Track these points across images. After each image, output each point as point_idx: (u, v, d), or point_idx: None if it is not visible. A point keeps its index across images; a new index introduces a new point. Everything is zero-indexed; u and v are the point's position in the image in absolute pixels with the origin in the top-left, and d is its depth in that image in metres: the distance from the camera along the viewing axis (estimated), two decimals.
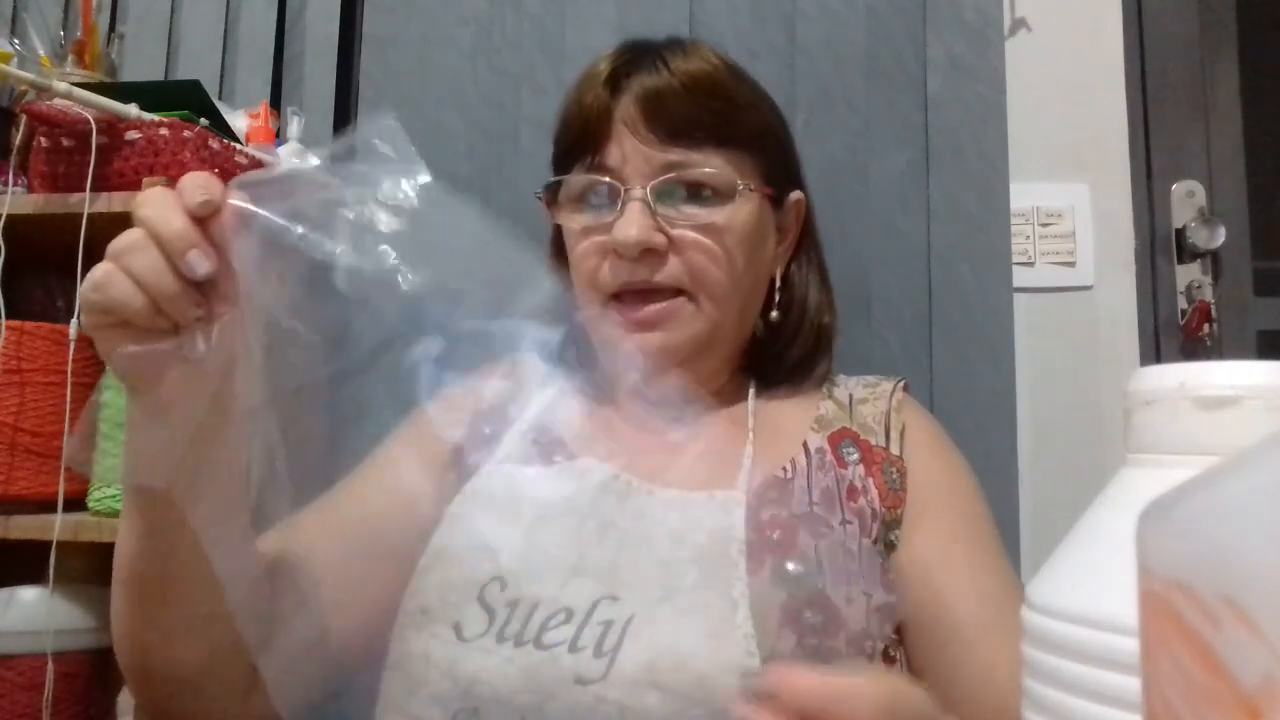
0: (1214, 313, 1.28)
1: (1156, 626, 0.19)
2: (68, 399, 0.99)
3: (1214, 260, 1.30)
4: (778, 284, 0.76)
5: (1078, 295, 1.28)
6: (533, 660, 0.58)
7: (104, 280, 0.46)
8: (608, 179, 0.68)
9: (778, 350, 0.76)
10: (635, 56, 0.71)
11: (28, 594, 1.01)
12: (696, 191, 0.68)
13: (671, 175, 0.67)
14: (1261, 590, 0.16)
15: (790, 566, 0.61)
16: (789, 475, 0.68)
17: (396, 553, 0.66)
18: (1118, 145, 1.29)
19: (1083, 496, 0.33)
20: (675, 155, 0.67)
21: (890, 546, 0.66)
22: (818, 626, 0.59)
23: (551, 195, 0.73)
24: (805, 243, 0.79)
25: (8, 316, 0.99)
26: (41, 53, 1.15)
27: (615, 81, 0.69)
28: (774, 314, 0.75)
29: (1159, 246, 1.30)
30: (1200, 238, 1.27)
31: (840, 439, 0.71)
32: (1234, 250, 1.30)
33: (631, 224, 0.66)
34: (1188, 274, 1.30)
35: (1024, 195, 1.26)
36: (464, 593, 0.62)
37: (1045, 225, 1.28)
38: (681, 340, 0.69)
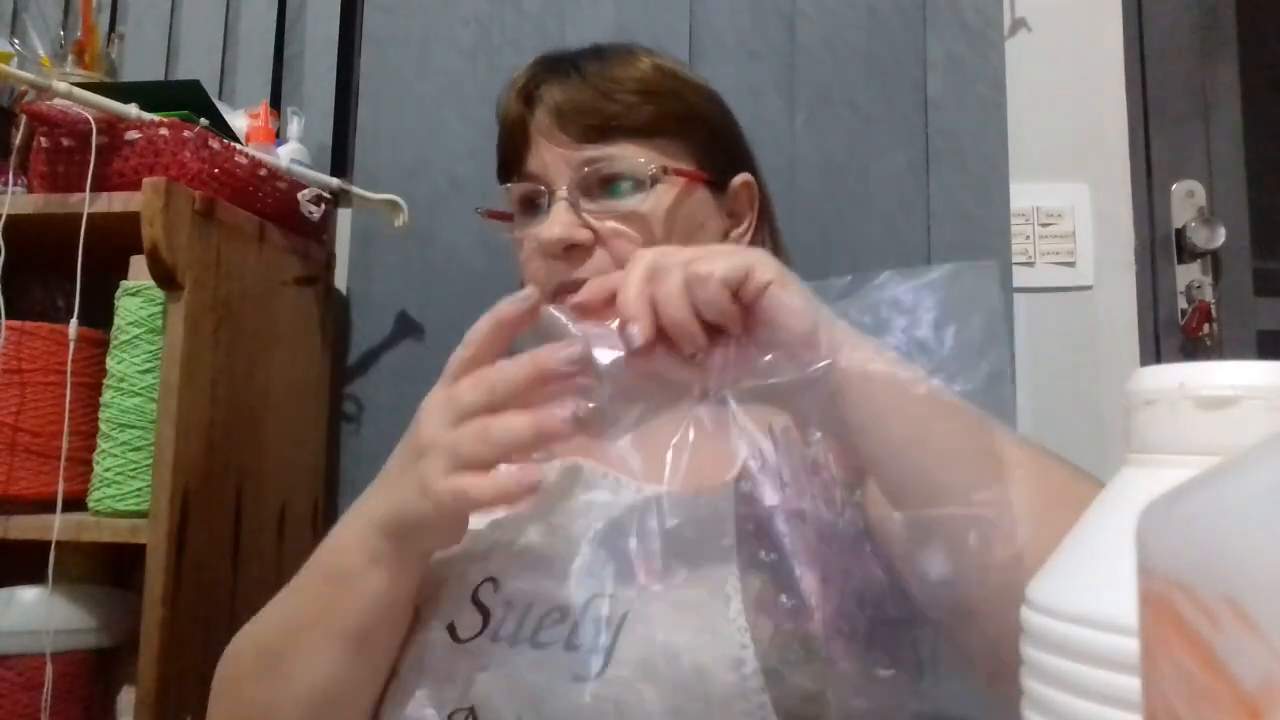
0: (1214, 313, 1.28)
1: (1156, 626, 0.19)
2: (68, 399, 0.99)
3: (1214, 260, 1.30)
4: None
5: (1078, 295, 1.28)
6: (529, 659, 0.58)
7: (510, 424, 0.52)
8: (535, 185, 0.70)
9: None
10: (548, 66, 0.73)
11: (28, 594, 1.01)
12: (616, 184, 0.69)
13: (588, 171, 0.68)
14: (1261, 590, 0.16)
15: (763, 555, 0.61)
16: (759, 464, 0.67)
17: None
18: (1118, 145, 1.29)
19: None
20: (590, 152, 0.68)
21: (859, 507, 0.66)
22: (792, 611, 0.59)
23: (498, 214, 0.75)
24: (761, 226, 0.78)
25: (8, 316, 0.99)
26: (41, 53, 1.15)
27: (527, 93, 0.72)
28: None
29: (1159, 246, 1.30)
30: (1200, 238, 1.27)
31: (808, 418, 0.71)
32: (1234, 250, 1.30)
33: (554, 223, 0.67)
34: (1188, 274, 1.30)
35: (1024, 195, 1.26)
36: (457, 593, 0.62)
37: (1045, 225, 1.28)
38: None
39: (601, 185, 0.69)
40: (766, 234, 0.79)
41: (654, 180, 0.69)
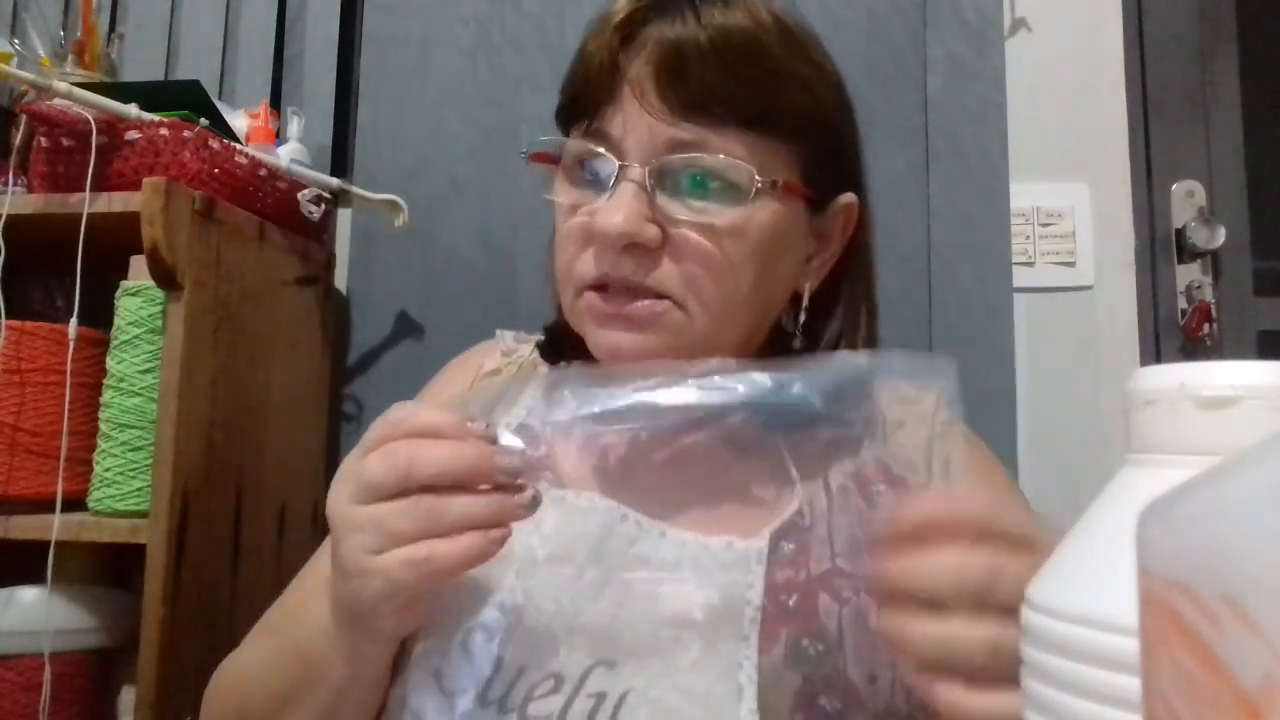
0: (1214, 313, 1.28)
1: (1156, 626, 0.19)
2: (67, 399, 0.99)
3: (1214, 260, 1.30)
4: (804, 301, 0.62)
5: (1078, 295, 1.28)
6: None
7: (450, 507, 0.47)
8: (603, 150, 0.56)
9: None
10: (677, 16, 0.56)
11: (27, 594, 1.01)
12: (707, 181, 0.55)
13: (678, 157, 0.55)
14: (1261, 590, 0.16)
15: (806, 644, 0.53)
16: (807, 522, 0.57)
17: None
18: (1118, 145, 1.29)
19: (1083, 496, 0.33)
20: (687, 133, 0.55)
21: None
22: (834, 714, 0.51)
23: (546, 158, 0.61)
24: (855, 259, 0.64)
25: (8, 316, 0.99)
26: (41, 53, 1.15)
27: (630, 28, 0.56)
28: (797, 341, 0.62)
29: (1159, 246, 1.30)
30: (1200, 238, 1.27)
31: (868, 475, 0.59)
32: (1234, 250, 1.30)
33: (618, 209, 0.54)
34: (1188, 274, 1.30)
35: (1024, 195, 1.26)
36: (445, 637, 0.54)
37: (1045, 225, 1.28)
38: (661, 347, 0.57)
39: (690, 177, 0.56)
40: (858, 268, 0.65)
41: (753, 189, 0.55)
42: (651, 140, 0.55)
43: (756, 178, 0.55)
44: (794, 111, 0.57)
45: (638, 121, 0.56)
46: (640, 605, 0.53)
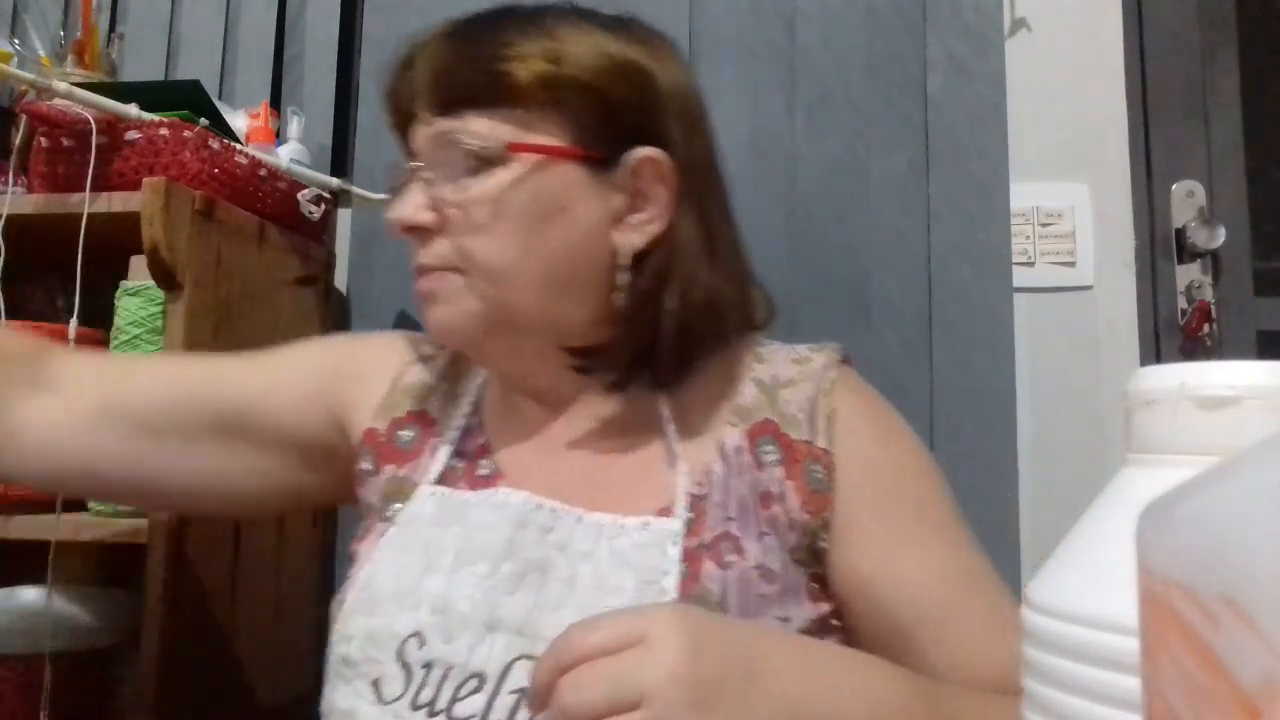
0: (1214, 313, 1.28)
1: (1156, 626, 0.19)
2: None
3: (1214, 260, 1.30)
4: (621, 259, 0.63)
5: (1078, 295, 1.28)
6: None
7: None
8: (410, 162, 0.65)
9: (619, 342, 0.64)
10: (441, 31, 0.67)
11: (27, 594, 1.01)
12: (466, 163, 0.62)
13: (436, 147, 0.63)
14: (1261, 590, 0.16)
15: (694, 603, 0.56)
16: (704, 491, 0.61)
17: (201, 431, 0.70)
18: (1118, 145, 1.29)
19: (1083, 496, 0.33)
20: (440, 127, 0.62)
21: (817, 554, 0.61)
22: None
23: None
24: (683, 211, 0.65)
25: (8, 316, 0.99)
26: (41, 53, 1.15)
27: (408, 65, 0.67)
28: (618, 297, 0.63)
29: (1159, 246, 1.30)
30: (1200, 238, 1.27)
31: (759, 434, 0.63)
32: (1234, 250, 1.30)
33: (405, 204, 0.63)
34: (1188, 274, 1.30)
35: (1024, 195, 1.26)
36: (385, 647, 0.57)
37: (1045, 225, 1.28)
38: (458, 317, 0.63)
39: (453, 164, 0.62)
40: (687, 217, 0.65)
41: (496, 159, 0.61)
42: (425, 142, 0.63)
43: (474, 144, 0.61)
44: (538, 82, 0.61)
45: (417, 132, 0.64)
46: (558, 592, 0.56)
